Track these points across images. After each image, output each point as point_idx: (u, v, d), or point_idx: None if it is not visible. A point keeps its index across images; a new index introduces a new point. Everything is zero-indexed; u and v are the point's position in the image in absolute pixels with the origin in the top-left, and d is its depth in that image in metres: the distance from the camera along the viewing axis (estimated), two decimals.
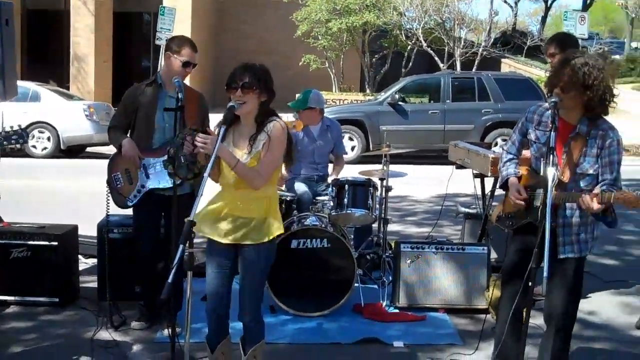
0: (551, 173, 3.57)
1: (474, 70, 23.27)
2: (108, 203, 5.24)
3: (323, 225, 5.73)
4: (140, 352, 4.83)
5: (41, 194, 10.99)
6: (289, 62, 24.84)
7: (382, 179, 6.42)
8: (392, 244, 6.14)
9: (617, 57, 33.34)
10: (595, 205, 3.62)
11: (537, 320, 4.60)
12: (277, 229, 3.88)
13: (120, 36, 26.10)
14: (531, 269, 3.65)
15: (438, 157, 15.38)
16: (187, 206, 4.89)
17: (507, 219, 4.16)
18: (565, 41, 5.73)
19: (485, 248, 5.76)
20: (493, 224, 4.44)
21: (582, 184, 3.81)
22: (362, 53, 26.01)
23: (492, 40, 27.59)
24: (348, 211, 6.00)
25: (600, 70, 3.64)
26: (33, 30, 26.05)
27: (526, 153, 4.15)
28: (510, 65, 29.87)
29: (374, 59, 26.35)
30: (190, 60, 5.07)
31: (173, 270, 3.33)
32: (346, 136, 15.62)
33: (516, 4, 37.88)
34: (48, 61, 25.77)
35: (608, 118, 3.85)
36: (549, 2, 41.64)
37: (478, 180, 6.75)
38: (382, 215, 6.38)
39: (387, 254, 6.21)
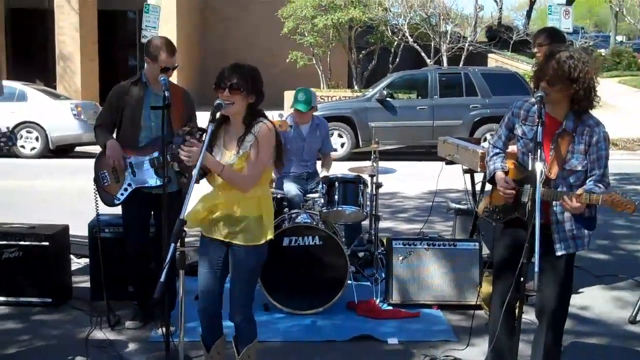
0: (539, 168, 3.59)
1: (460, 65, 23.33)
2: (96, 201, 5.24)
3: (314, 223, 5.73)
4: (134, 352, 4.83)
5: (31, 194, 10.94)
6: (276, 60, 24.79)
7: (372, 176, 6.43)
8: (384, 241, 6.16)
9: (602, 51, 33.54)
10: (575, 204, 3.65)
11: (529, 315, 4.63)
12: (267, 233, 3.87)
13: (106, 34, 25.94)
14: (522, 264, 3.66)
15: (427, 153, 15.42)
16: (176, 204, 4.94)
17: (494, 212, 4.16)
18: (555, 35, 5.78)
19: (477, 244, 5.79)
20: (480, 216, 4.45)
21: (570, 180, 3.83)
22: (348, 49, 25.99)
23: (477, 35, 27.64)
24: (339, 208, 6.01)
25: (585, 64, 3.66)
26: (17, 29, 25.87)
27: (512, 148, 4.16)
28: (497, 60, 29.93)
29: (360, 55, 26.34)
30: (167, 65, 4.98)
31: (165, 269, 3.33)
32: (335, 133, 15.65)
33: None
34: (33, 60, 25.61)
35: (595, 112, 3.87)
36: None
37: (468, 175, 6.77)
38: (373, 212, 6.39)
39: (379, 251, 6.23)
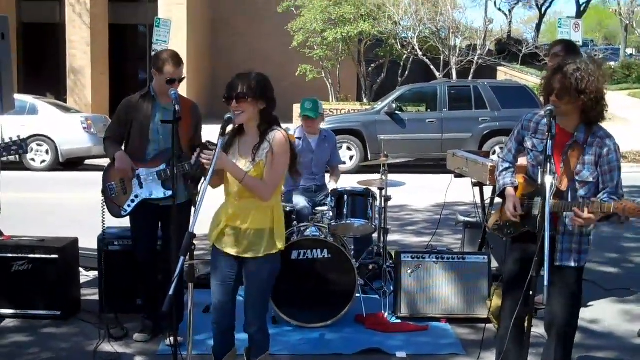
0: (549, 181, 3.59)
1: (470, 78, 23.34)
2: (103, 213, 5.25)
3: (323, 236, 5.73)
4: None
5: (41, 207, 10.99)
6: (285, 73, 24.87)
7: (381, 189, 6.43)
8: (393, 254, 6.14)
9: (611, 63, 33.46)
10: (586, 215, 3.64)
11: (539, 329, 4.61)
12: (279, 243, 3.89)
13: (117, 48, 26.15)
14: (531, 277, 3.66)
15: (436, 166, 15.41)
16: (184, 214, 4.97)
17: (505, 227, 4.15)
18: (572, 48, 5.76)
19: (486, 257, 5.77)
20: (490, 231, 4.44)
21: (582, 192, 3.82)
22: (358, 62, 26.07)
23: (487, 48, 27.66)
24: (348, 221, 6.01)
25: (592, 75, 3.67)
26: (29, 43, 26.09)
27: (522, 160, 4.16)
28: (506, 73, 29.96)
29: (370, 68, 26.41)
30: (173, 77, 5.04)
31: (174, 283, 3.33)
32: (344, 146, 15.67)
33: (510, 11, 38.03)
34: (45, 74, 25.82)
35: (604, 125, 3.87)
36: (543, 10, 41.82)
37: (477, 188, 6.76)
38: (382, 225, 6.39)
39: (387, 264, 6.22)
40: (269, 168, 3.81)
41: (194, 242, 3.48)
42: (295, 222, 6.12)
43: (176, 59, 5.09)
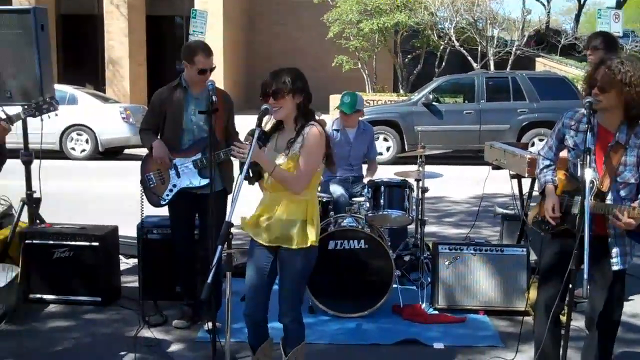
0: (589, 175, 3.54)
1: (507, 69, 23.09)
2: (142, 203, 5.32)
3: (360, 227, 5.73)
4: (181, 351, 4.90)
5: (81, 195, 11.16)
6: (322, 64, 24.86)
7: (418, 180, 6.41)
8: (430, 245, 6.12)
9: None
10: (627, 220, 3.59)
11: (578, 322, 4.56)
12: (313, 238, 3.88)
13: (154, 39, 26.34)
14: (571, 270, 3.61)
15: (474, 158, 15.29)
16: (220, 202, 5.02)
17: (543, 222, 4.10)
18: (611, 42, 5.69)
19: (525, 249, 5.72)
20: (529, 226, 4.40)
21: (622, 193, 3.77)
22: (394, 53, 25.92)
23: (525, 39, 27.33)
24: (384, 212, 6.00)
25: (637, 69, 3.62)
26: (67, 34, 26.39)
27: (563, 154, 4.11)
28: (545, 65, 29.54)
29: (406, 59, 26.24)
30: (204, 67, 5.12)
31: (212, 271, 3.36)
32: (381, 137, 15.62)
33: (549, 2, 37.48)
34: (83, 65, 26.12)
35: None
36: (582, 0, 41.17)
37: (515, 181, 6.69)
38: (419, 216, 6.36)
39: (425, 255, 6.20)
40: (302, 161, 3.82)
41: (232, 231, 3.51)
42: (332, 213, 6.13)
43: (206, 49, 5.17)
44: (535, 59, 29.40)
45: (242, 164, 3.74)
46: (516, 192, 6.80)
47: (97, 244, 5.68)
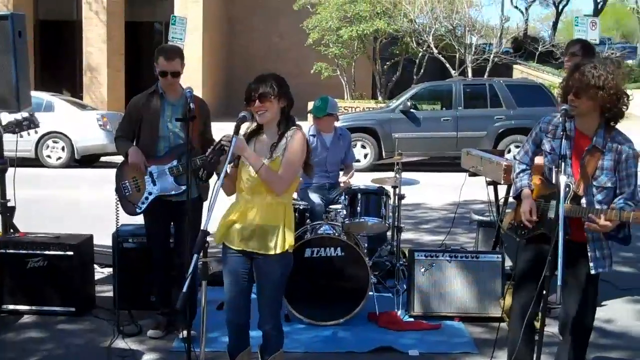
0: (563, 181, 3.58)
1: (485, 76, 23.24)
2: (117, 211, 5.30)
3: (336, 234, 5.74)
4: None
5: (56, 203, 11.07)
6: (301, 70, 24.88)
7: (394, 187, 6.43)
8: (406, 252, 6.14)
9: (629, 62, 33.22)
10: (602, 222, 3.62)
11: (552, 328, 4.59)
12: (289, 242, 3.88)
13: (133, 46, 26.24)
14: (545, 277, 3.64)
15: (451, 165, 15.36)
16: (196, 210, 5.00)
17: (519, 227, 4.13)
18: (589, 48, 5.75)
19: (500, 256, 5.75)
20: (504, 232, 4.42)
21: (599, 197, 3.80)
22: (373, 60, 26.03)
23: (503, 46, 27.54)
24: (361, 219, 6.01)
25: (610, 73, 3.65)
26: (45, 41, 26.21)
27: (538, 160, 4.14)
28: (522, 71, 29.78)
29: (385, 66, 26.36)
30: (164, 69, 5.10)
31: (187, 280, 3.35)
32: (358, 144, 15.66)
33: (527, 9, 37.83)
34: (61, 71, 25.96)
35: (620, 124, 3.84)
36: (560, 8, 41.58)
37: (491, 187, 6.74)
38: (396, 223, 6.38)
39: (401, 262, 6.21)
40: (285, 162, 3.84)
41: (208, 239, 3.51)
42: (308, 220, 6.13)
43: (170, 52, 5.18)
44: (513, 66, 29.62)
45: (219, 173, 3.74)
46: (492, 198, 6.84)
47: (71, 253, 5.62)
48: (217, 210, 3.55)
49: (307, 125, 6.76)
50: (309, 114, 6.80)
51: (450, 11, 25.57)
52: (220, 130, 5.31)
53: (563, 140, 3.69)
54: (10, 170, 6.05)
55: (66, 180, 14.06)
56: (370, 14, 23.88)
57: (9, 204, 6.09)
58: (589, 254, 3.83)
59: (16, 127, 4.80)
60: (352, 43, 24.52)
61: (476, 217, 7.28)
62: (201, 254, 3.49)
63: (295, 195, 6.28)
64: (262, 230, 3.86)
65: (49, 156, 15.77)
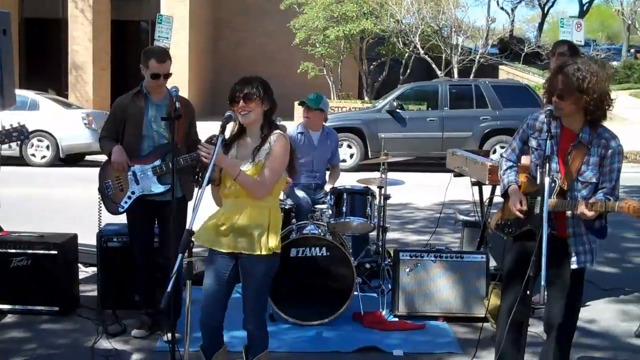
0: (547, 182, 3.60)
1: (471, 77, 23.32)
2: (100, 210, 5.27)
3: (322, 234, 5.74)
4: None
5: (41, 202, 10.99)
6: (287, 70, 24.90)
7: (380, 187, 6.43)
8: (391, 252, 6.15)
9: (614, 63, 33.43)
10: (590, 213, 3.64)
11: (536, 328, 4.61)
12: (274, 244, 3.88)
13: (119, 44, 26.14)
14: (529, 277, 3.66)
15: (436, 165, 15.40)
16: (180, 209, 4.98)
17: (506, 226, 4.15)
18: (576, 49, 5.79)
19: (484, 256, 5.77)
20: (492, 231, 4.44)
21: (584, 192, 3.82)
22: (359, 60, 26.06)
23: (489, 47, 27.65)
24: (347, 219, 6.01)
25: (593, 75, 3.66)
26: (31, 39, 26.05)
27: (525, 160, 4.16)
28: (508, 72, 29.93)
29: (371, 66, 26.40)
30: (157, 72, 5.10)
31: (172, 280, 3.34)
32: (345, 144, 15.66)
33: (513, 10, 38.01)
34: (46, 70, 25.78)
35: (605, 124, 3.87)
36: (546, 9, 41.79)
37: (476, 188, 6.76)
38: (381, 223, 6.39)
39: (386, 262, 6.23)
40: (267, 167, 3.84)
41: (192, 239, 3.50)
42: (294, 220, 6.13)
43: (161, 54, 5.17)
44: (498, 67, 29.75)
45: (204, 172, 3.73)
46: (477, 199, 6.86)
47: (55, 252, 5.59)
48: (202, 210, 3.54)
49: (293, 125, 6.77)
50: (297, 105, 6.78)
51: (436, 12, 25.65)
52: (206, 129, 5.31)
53: (548, 141, 3.72)
54: None
55: (51, 179, 13.97)
56: (357, 14, 23.93)
57: None
58: (570, 248, 3.85)
59: (5, 138, 4.78)
60: (338, 43, 24.56)
61: (461, 217, 7.31)
62: (186, 254, 3.49)
63: (281, 195, 6.29)
64: (247, 231, 3.85)
65: (33, 155, 15.66)
